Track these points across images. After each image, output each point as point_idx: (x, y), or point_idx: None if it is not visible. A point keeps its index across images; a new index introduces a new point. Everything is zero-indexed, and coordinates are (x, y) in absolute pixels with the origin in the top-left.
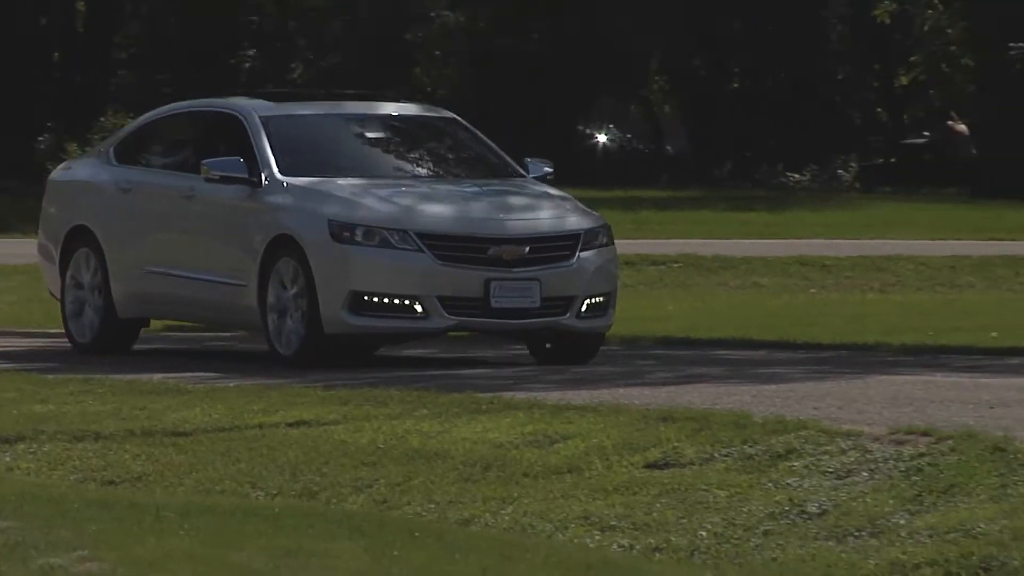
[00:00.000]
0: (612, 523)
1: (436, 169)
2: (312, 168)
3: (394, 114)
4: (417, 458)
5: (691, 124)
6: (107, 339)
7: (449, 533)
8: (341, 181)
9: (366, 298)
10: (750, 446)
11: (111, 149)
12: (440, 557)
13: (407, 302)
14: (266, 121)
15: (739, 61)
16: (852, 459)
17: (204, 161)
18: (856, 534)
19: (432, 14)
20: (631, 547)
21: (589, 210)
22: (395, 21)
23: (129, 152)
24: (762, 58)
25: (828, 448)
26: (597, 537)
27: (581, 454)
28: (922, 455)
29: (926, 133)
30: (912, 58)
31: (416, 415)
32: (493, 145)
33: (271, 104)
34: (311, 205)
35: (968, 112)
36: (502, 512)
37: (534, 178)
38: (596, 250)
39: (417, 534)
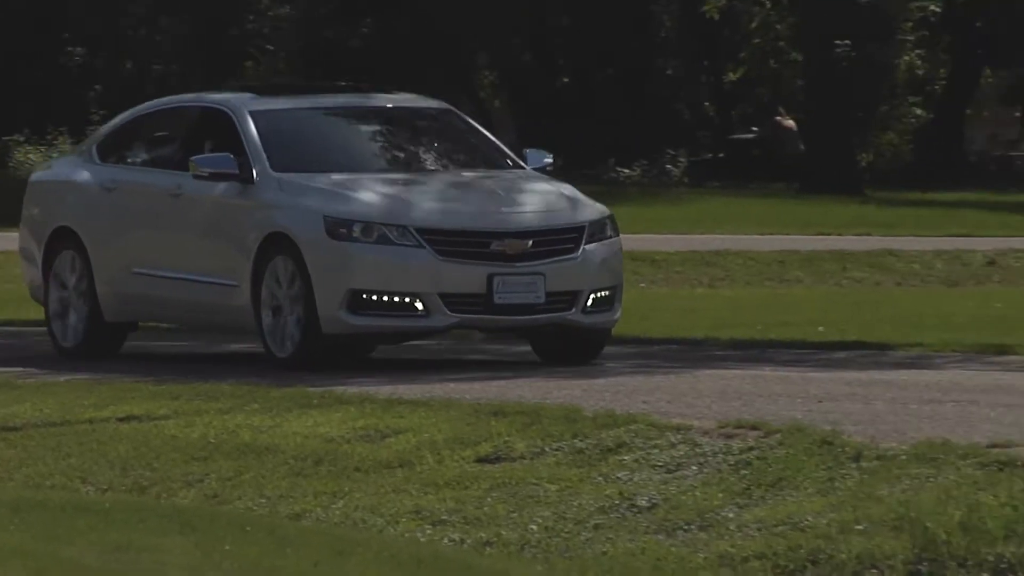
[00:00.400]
0: (443, 517)
1: (433, 161)
2: (305, 163)
3: (388, 106)
4: (248, 453)
5: (521, 119)
6: (93, 343)
7: (280, 527)
8: (336, 176)
9: (365, 296)
10: (580, 440)
11: (94, 147)
12: (272, 551)
13: (408, 300)
14: (256, 115)
15: (568, 56)
16: (682, 453)
17: (193, 158)
18: (685, 528)
19: (265, 8)
20: (462, 541)
21: (593, 202)
22: (227, 15)
23: (112, 150)
24: (592, 53)
25: (658, 442)
26: (428, 531)
27: (412, 448)
28: (751, 449)
29: (754, 129)
30: (741, 54)
31: (247, 410)
32: (489, 135)
33: (260, 98)
34: (305, 201)
35: (796, 108)
36: (333, 506)
37: (534, 169)
38: (601, 242)
39: (248, 529)
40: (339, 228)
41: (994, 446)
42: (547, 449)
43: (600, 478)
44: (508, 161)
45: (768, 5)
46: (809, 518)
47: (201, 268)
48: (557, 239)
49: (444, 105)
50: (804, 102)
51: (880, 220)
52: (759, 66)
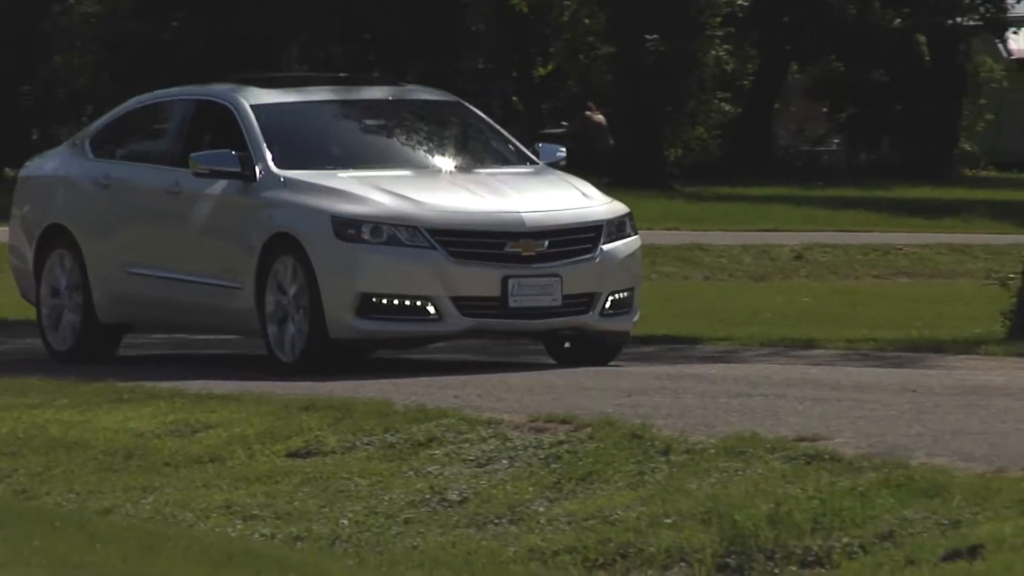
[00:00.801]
0: (254, 512)
1: (443, 157)
2: (310, 160)
3: (395, 98)
4: (57, 448)
5: None
6: (87, 346)
7: (90, 523)
8: (343, 173)
9: (375, 300)
10: (391, 435)
11: (87, 142)
12: (81, 547)
13: (419, 303)
14: (257, 109)
15: (379, 49)
16: (492, 447)
17: (192, 155)
18: (496, 521)
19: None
20: (273, 536)
21: (610, 199)
22: (31, 10)
23: (107, 144)
24: (402, 47)
25: (469, 436)
26: (239, 526)
27: (223, 443)
28: (561, 443)
29: (564, 123)
30: (551, 48)
31: (56, 404)
32: (501, 129)
33: (262, 91)
34: (312, 200)
35: (605, 102)
36: (143, 502)
37: (547, 164)
38: (620, 242)
39: (57, 524)
40: (347, 229)
41: (801, 440)
42: (358, 443)
43: (411, 472)
44: (521, 156)
45: None
46: (619, 511)
47: (201, 269)
48: (574, 239)
49: (453, 97)
50: (614, 97)
51: (689, 214)
52: (569, 61)
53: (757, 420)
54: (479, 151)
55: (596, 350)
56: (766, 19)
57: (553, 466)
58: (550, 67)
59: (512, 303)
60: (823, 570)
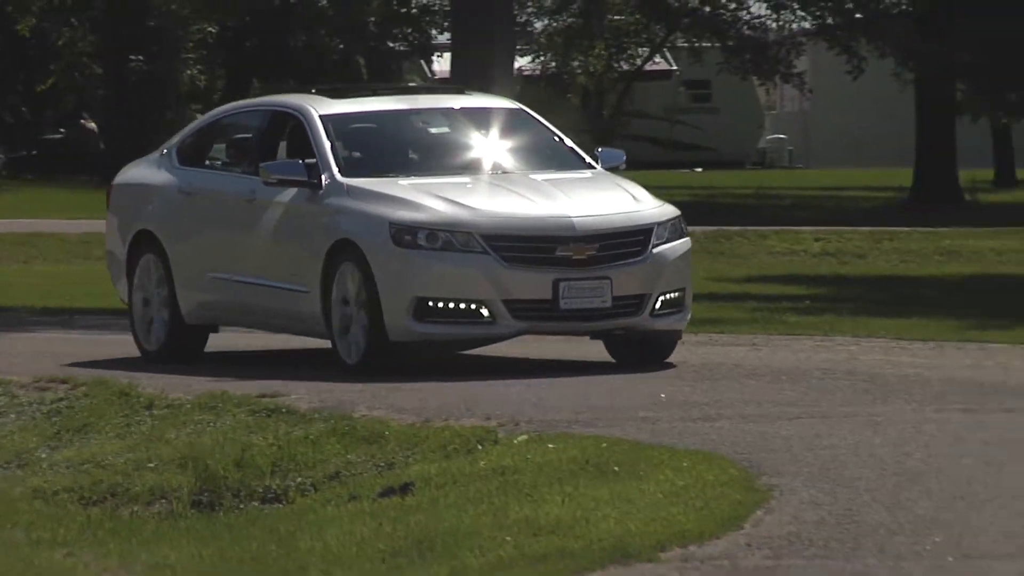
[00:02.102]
0: None
1: (502, 163)
2: (374, 168)
3: (459, 107)
4: None
5: None
6: (174, 346)
7: None
8: (403, 181)
9: (431, 304)
10: None
11: (174, 150)
12: None
13: (473, 307)
14: (326, 120)
15: None
16: (1, 403)
17: (263, 164)
18: (5, 466)
19: None
20: None
21: (661, 202)
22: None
23: (191, 153)
24: None
25: None
26: None
27: None
28: (61, 399)
29: (62, 130)
30: (51, 66)
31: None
32: (562, 135)
33: (331, 101)
34: (372, 208)
35: (97, 113)
36: None
37: (607, 168)
38: (670, 244)
39: None
40: (404, 235)
41: (263, 396)
42: None
43: None
44: (579, 161)
45: (74, 24)
46: (109, 457)
47: (273, 274)
48: (624, 242)
49: (516, 105)
50: (104, 108)
51: None
52: (66, 77)
53: (227, 382)
54: (538, 156)
55: (650, 348)
56: (232, 44)
57: (54, 419)
58: (50, 83)
59: (563, 305)
60: (280, 505)
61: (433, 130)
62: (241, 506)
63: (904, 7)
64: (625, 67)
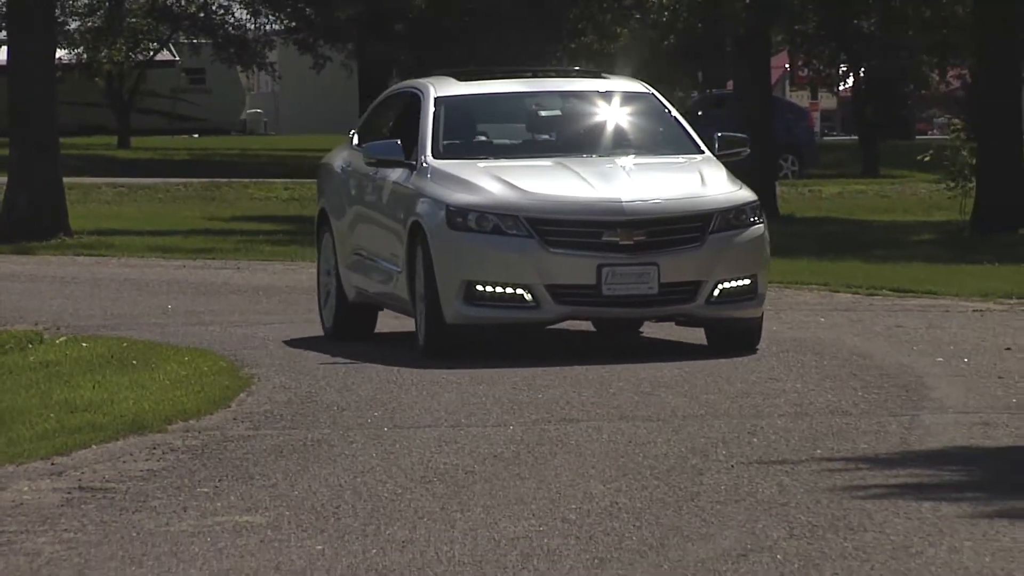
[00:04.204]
0: None
1: (600, 147)
2: (469, 150)
3: (577, 90)
4: None
5: None
6: (342, 325)
7: None
8: (483, 164)
9: (479, 288)
10: None
11: (354, 131)
12: None
13: (518, 291)
14: (439, 101)
15: None
16: None
17: (365, 144)
18: None
19: None
20: None
21: (737, 188)
22: None
23: (363, 133)
24: None
25: None
26: None
27: None
28: None
29: None
30: None
31: None
32: (681, 120)
33: (455, 83)
34: (440, 190)
35: None
36: None
37: (724, 154)
38: (736, 231)
39: None
40: (457, 218)
41: None
42: None
43: None
44: (692, 146)
45: None
46: None
47: (382, 253)
48: (677, 228)
49: (644, 89)
50: None
51: None
52: None
53: None
54: (646, 140)
55: (729, 336)
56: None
57: None
58: None
59: (606, 291)
60: None
61: (543, 113)
62: None
63: (351, 14)
64: (140, 58)
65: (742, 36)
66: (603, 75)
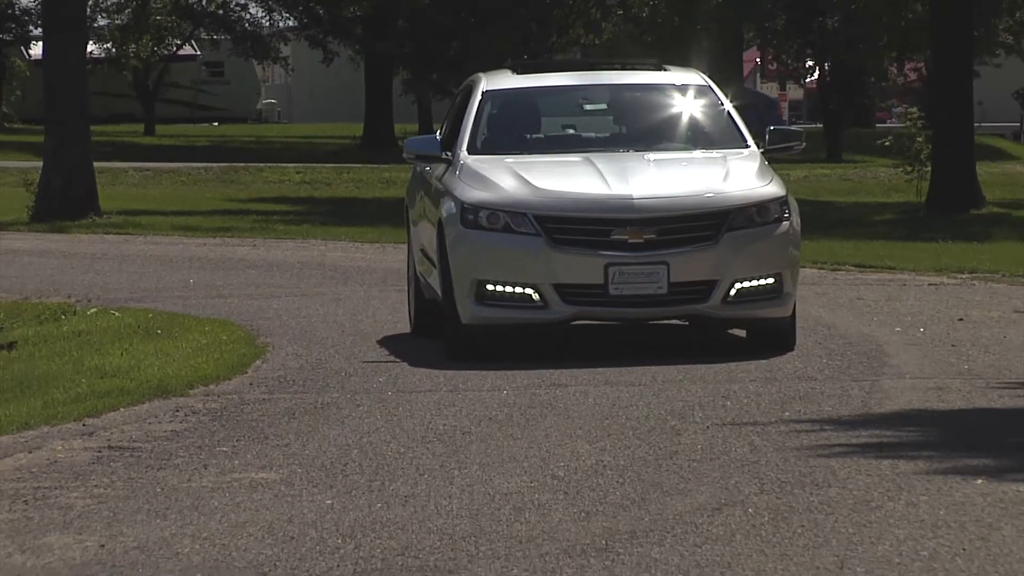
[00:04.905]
0: None
1: (637, 142)
2: (505, 145)
3: (629, 83)
4: None
5: None
6: (420, 321)
7: None
8: (511, 159)
9: (489, 287)
10: None
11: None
12: None
13: (527, 291)
14: (487, 96)
15: None
16: None
17: (406, 139)
18: None
19: None
20: None
21: (765, 184)
22: None
23: (444, 128)
24: None
25: None
26: None
27: None
28: None
29: None
30: None
31: None
32: (733, 113)
33: (509, 76)
34: (460, 187)
35: None
36: None
37: (773, 148)
38: (758, 228)
39: None
40: (468, 215)
41: None
42: None
43: None
44: (739, 140)
45: None
46: None
47: (428, 250)
48: (690, 226)
49: (700, 81)
50: None
51: None
52: None
53: None
54: (689, 134)
55: (761, 336)
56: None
57: None
58: None
59: (613, 291)
60: None
61: (588, 107)
62: None
63: (356, 12)
64: (164, 52)
65: (715, 31)
66: (662, 67)
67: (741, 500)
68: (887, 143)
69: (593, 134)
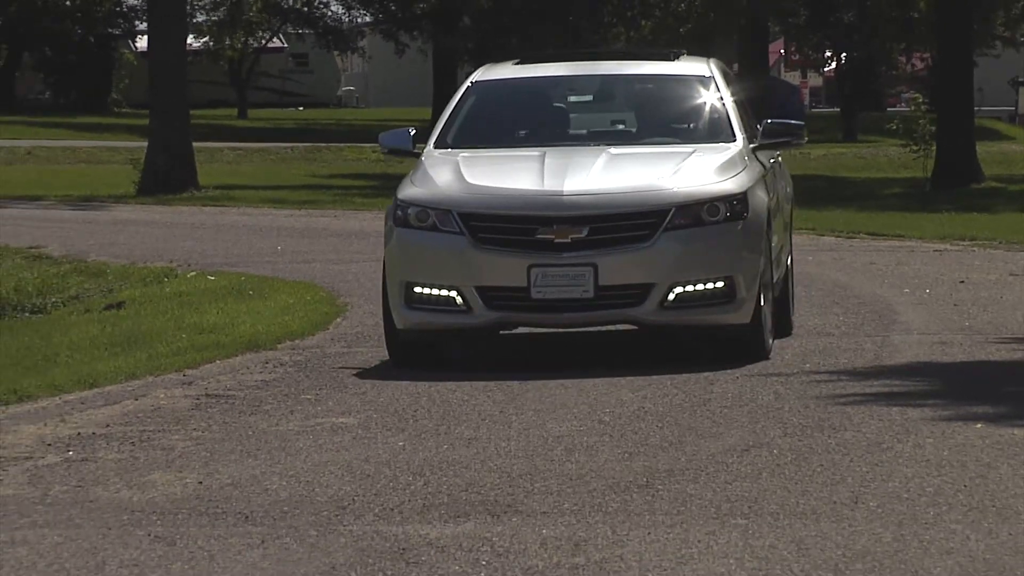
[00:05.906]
0: None
1: (608, 135)
2: (475, 139)
3: (620, 73)
4: None
5: None
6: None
7: None
8: (466, 153)
9: (416, 289)
10: None
11: None
12: None
13: (451, 293)
14: (472, 87)
15: None
16: None
17: (380, 135)
18: None
19: None
20: None
21: (725, 179)
22: None
23: None
24: None
25: None
26: None
27: None
28: None
29: None
30: None
31: None
32: (727, 106)
33: (507, 67)
34: (405, 183)
35: None
36: None
37: (767, 142)
38: (705, 227)
39: None
40: (399, 212)
41: (31, 248)
42: None
43: None
44: (726, 134)
45: None
46: None
47: None
48: (623, 225)
49: (702, 72)
50: None
51: None
52: None
53: (8, 237)
54: (672, 127)
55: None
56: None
57: None
58: None
59: (535, 294)
60: (42, 315)
61: (573, 99)
62: (17, 315)
63: (424, 7)
64: (255, 45)
65: (744, 26)
66: (675, 56)
67: (767, 442)
68: (895, 127)
69: (571, 127)
